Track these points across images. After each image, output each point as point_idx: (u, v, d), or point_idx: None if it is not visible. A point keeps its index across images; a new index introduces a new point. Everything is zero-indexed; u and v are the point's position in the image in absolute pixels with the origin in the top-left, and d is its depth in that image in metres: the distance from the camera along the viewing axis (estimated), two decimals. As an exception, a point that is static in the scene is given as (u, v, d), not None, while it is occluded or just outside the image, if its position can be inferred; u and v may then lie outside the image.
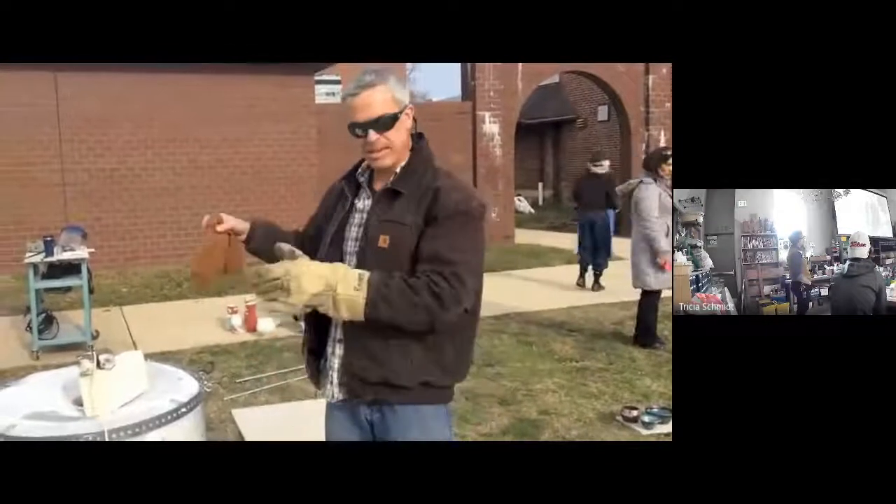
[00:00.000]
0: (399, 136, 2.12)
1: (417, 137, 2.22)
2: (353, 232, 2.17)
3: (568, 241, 13.61)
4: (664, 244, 5.95)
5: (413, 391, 2.09)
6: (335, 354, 2.17)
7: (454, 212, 2.04)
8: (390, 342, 2.04)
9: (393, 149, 2.12)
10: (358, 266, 2.06)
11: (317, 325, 2.22)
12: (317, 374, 2.26)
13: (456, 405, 3.54)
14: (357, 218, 2.19)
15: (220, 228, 2.30)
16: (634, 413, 4.67)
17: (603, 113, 21.01)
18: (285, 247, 2.02)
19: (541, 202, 23.48)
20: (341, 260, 2.12)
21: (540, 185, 24.32)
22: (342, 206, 2.24)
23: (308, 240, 2.32)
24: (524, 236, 14.27)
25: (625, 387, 5.38)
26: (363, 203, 2.20)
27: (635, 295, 6.57)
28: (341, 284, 1.93)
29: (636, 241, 6.27)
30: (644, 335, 6.37)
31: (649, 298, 6.34)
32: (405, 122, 2.13)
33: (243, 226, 2.36)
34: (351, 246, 2.16)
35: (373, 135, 2.08)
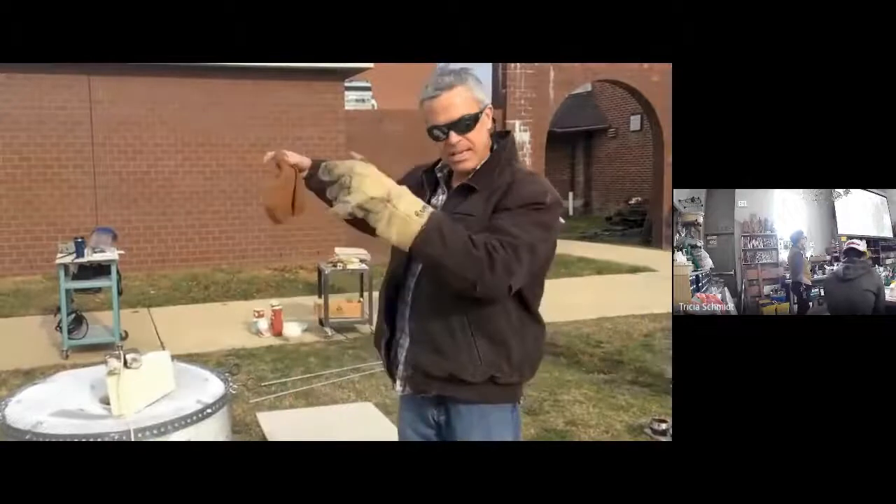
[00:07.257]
0: (480, 137, 2.06)
1: (501, 136, 2.16)
2: None
3: (598, 251, 13.51)
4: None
5: (479, 388, 2.03)
6: (402, 346, 2.13)
7: (525, 202, 1.96)
8: (457, 336, 2.01)
9: (475, 150, 2.06)
10: None
11: (388, 314, 2.17)
12: (389, 366, 2.22)
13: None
14: None
15: (291, 161, 2.28)
16: (663, 426, 4.59)
17: (635, 123, 20.93)
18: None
19: (571, 212, 23.38)
20: (410, 257, 2.03)
21: (570, 194, 24.22)
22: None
23: None
24: (553, 246, 14.13)
25: (654, 399, 5.30)
26: (438, 200, 2.16)
27: (665, 307, 6.47)
28: (403, 202, 1.81)
29: None
30: None
31: None
32: (485, 123, 2.08)
33: (306, 162, 2.36)
34: None
35: (454, 137, 2.01)
